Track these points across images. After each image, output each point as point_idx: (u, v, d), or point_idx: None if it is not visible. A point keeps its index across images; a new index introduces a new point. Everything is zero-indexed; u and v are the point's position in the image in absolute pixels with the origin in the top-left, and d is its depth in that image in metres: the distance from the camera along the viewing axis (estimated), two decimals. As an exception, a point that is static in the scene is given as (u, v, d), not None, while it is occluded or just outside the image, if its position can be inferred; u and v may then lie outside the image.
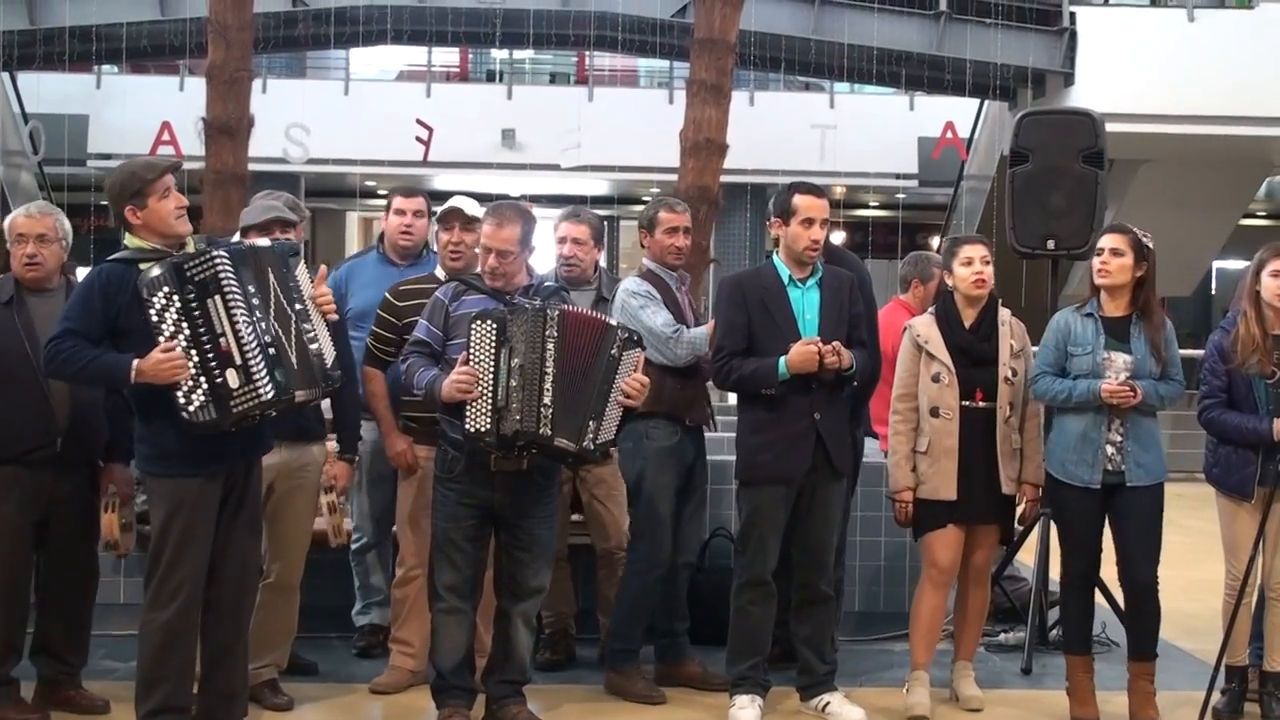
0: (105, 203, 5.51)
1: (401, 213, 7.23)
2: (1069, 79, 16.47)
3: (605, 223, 7.63)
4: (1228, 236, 19.62)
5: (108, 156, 20.95)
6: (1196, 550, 6.84)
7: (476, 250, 6.20)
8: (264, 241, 5.68)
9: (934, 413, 6.37)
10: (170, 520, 5.32)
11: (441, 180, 23.36)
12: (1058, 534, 6.57)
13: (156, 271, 5.11)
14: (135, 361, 5.11)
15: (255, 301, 5.22)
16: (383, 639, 7.01)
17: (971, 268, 6.44)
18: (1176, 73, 16.11)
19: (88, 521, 6.08)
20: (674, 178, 13.03)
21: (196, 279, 5.10)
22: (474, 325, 5.59)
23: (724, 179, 12.82)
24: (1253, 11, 17.24)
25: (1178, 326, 20.40)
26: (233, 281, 5.14)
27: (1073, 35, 16.39)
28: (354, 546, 7.23)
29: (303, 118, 20.03)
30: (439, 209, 6.75)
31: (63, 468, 5.93)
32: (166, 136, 18.96)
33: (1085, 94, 16.13)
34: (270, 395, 5.15)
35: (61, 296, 5.93)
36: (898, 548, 8.08)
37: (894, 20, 16.58)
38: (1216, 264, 23.44)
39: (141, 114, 20.19)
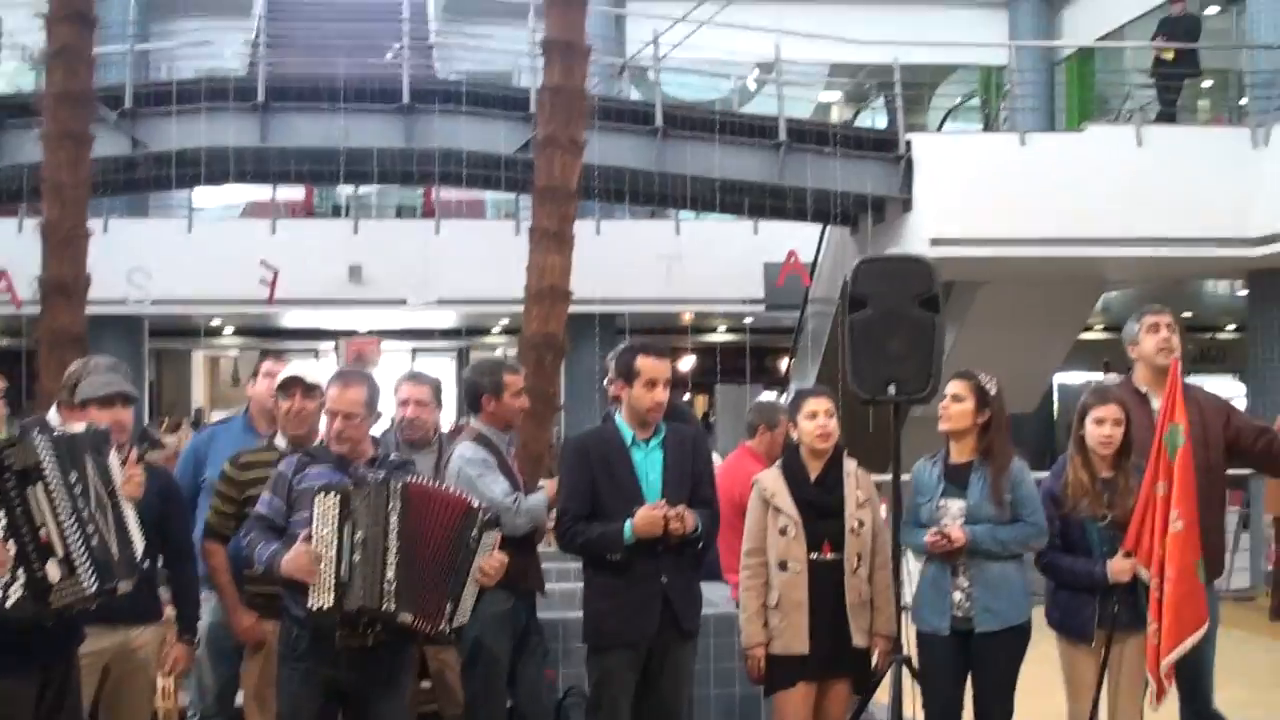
0: None
1: (270, 375, 7.05)
2: (907, 204, 16.71)
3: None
4: (1068, 352, 20.01)
5: (-56, 302, 20.59)
6: (1046, 680, 6.90)
7: (320, 416, 6.12)
8: (79, 427, 5.51)
9: (783, 566, 6.36)
10: None
11: (289, 317, 23.23)
12: (920, 682, 6.58)
13: None
14: None
15: (77, 490, 5.05)
16: None
17: (816, 421, 6.47)
18: (1010, 197, 16.38)
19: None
20: (521, 308, 13.03)
21: (16, 468, 4.91)
22: (317, 498, 5.49)
23: (572, 309, 12.82)
24: (1081, 134, 17.69)
25: (1022, 444, 20.55)
26: (55, 470, 4.97)
27: (909, 162, 16.62)
28: (191, 721, 7.01)
29: (145, 258, 19.80)
30: (279, 376, 6.64)
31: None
32: (4, 285, 18.56)
33: (923, 219, 16.46)
34: (94, 588, 4.98)
35: None
36: (751, 700, 8.00)
37: (735, 150, 16.75)
38: (1058, 379, 23.89)
39: (-23, 259, 19.82)
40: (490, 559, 5.69)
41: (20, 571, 4.89)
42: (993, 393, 6.51)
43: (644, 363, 6.25)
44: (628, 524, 6.02)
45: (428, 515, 5.58)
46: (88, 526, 5.03)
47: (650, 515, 6.01)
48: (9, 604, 4.88)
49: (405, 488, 5.56)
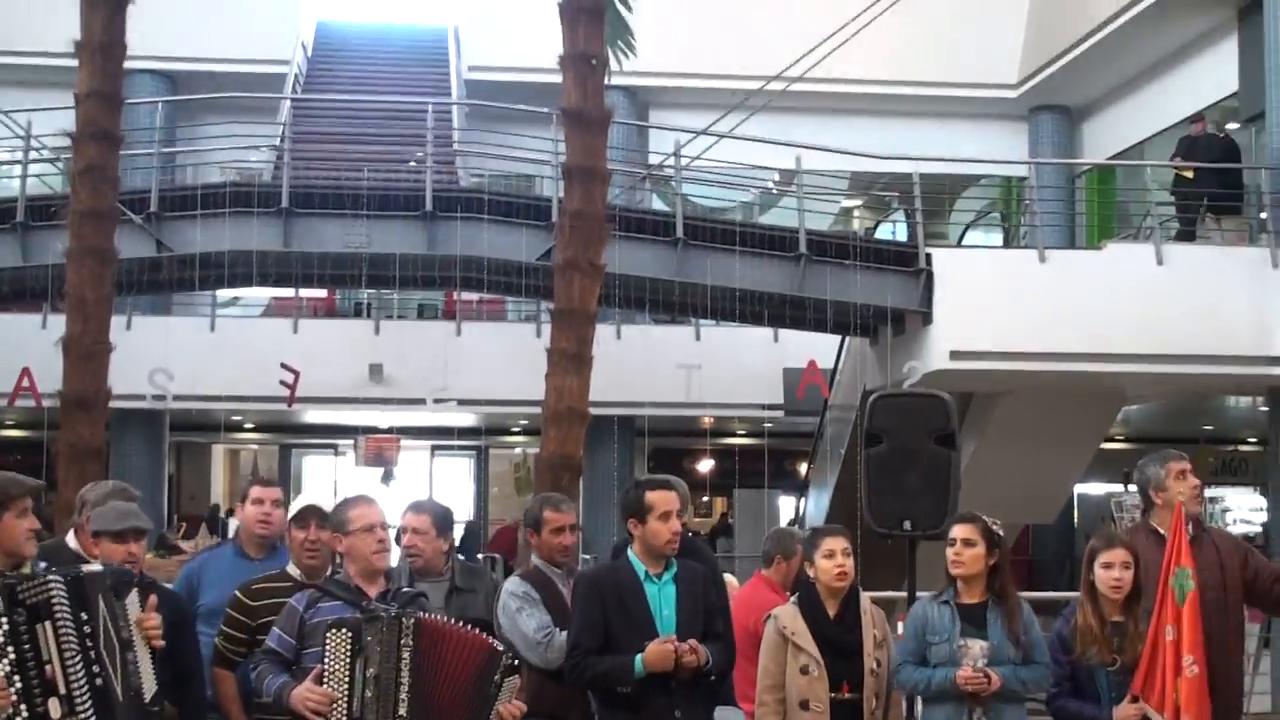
0: None
1: (260, 502, 7.02)
2: (927, 317, 16.75)
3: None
4: (1088, 463, 19.96)
5: (-34, 395, 20.71)
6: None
7: (334, 549, 6.10)
8: (96, 566, 5.52)
9: (804, 705, 6.35)
10: None
11: (309, 414, 23.30)
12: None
13: None
14: None
15: (86, 630, 5.09)
16: None
17: (833, 560, 6.47)
18: (1029, 312, 16.47)
19: None
20: (539, 411, 13.06)
21: (28, 603, 4.98)
22: (329, 634, 5.47)
23: (592, 411, 12.85)
24: (1101, 252, 17.76)
25: (1042, 554, 20.54)
26: (65, 608, 5.02)
27: (929, 275, 16.69)
28: None
29: (167, 355, 19.89)
30: (294, 505, 6.65)
31: None
32: (26, 383, 18.69)
33: (943, 332, 16.51)
34: None
35: None
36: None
37: (756, 262, 16.84)
38: (1078, 489, 23.84)
39: (2, 354, 19.94)
40: (510, 706, 5.66)
41: (23, 707, 4.93)
42: (1000, 534, 6.50)
43: (654, 497, 6.26)
44: (638, 658, 6.00)
45: (442, 652, 5.55)
46: (93, 667, 5.07)
47: (662, 649, 5.99)
48: None
49: (418, 623, 5.53)
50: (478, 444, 26.08)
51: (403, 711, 5.42)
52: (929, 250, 17.11)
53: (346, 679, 5.42)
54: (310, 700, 5.42)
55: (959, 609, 6.46)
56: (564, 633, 6.50)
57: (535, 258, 16.61)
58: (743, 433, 25.41)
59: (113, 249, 13.37)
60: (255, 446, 28.10)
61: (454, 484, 26.77)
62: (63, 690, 4.97)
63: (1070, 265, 17.32)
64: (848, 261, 16.82)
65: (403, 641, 5.47)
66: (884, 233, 24.17)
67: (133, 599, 5.47)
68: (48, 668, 4.97)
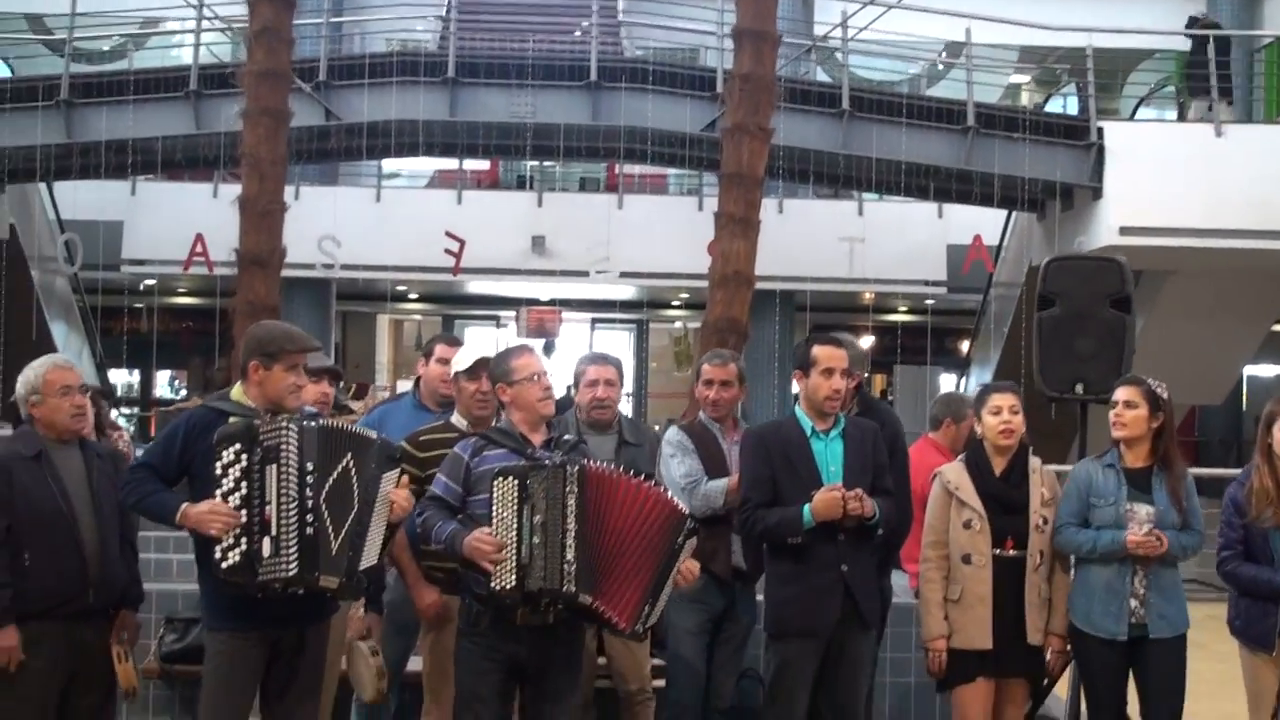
0: (139, 305, 5.75)
1: (444, 361, 7.08)
2: (1097, 193, 16.45)
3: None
4: (1259, 344, 19.57)
5: (141, 263, 21.23)
6: (1227, 679, 6.80)
7: (501, 398, 6.17)
8: (371, 433, 5.70)
9: (966, 560, 6.36)
10: (210, 673, 5.51)
11: (472, 285, 23.53)
12: (1083, 686, 6.54)
13: (233, 428, 5.31)
14: (185, 505, 5.30)
15: (310, 479, 5.31)
16: None
17: (1000, 417, 6.44)
18: (1203, 187, 16.08)
19: (109, 669, 6.10)
20: (703, 284, 13.09)
21: (265, 444, 5.27)
22: (496, 482, 5.55)
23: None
24: (1278, 126, 17.26)
25: (1209, 435, 20.26)
26: (292, 454, 5.29)
27: (1100, 150, 16.37)
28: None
29: (335, 225, 20.18)
30: (458, 359, 6.69)
31: (90, 618, 5.98)
32: (200, 249, 19.09)
33: (1113, 208, 16.20)
34: (293, 573, 5.26)
35: (78, 448, 6.04)
36: (926, 690, 8.00)
37: (922, 135, 16.63)
38: (1248, 371, 23.38)
39: (175, 221, 20.40)
40: (688, 566, 5.75)
41: (243, 540, 5.25)
42: (1164, 397, 6.41)
43: (820, 351, 6.28)
44: (806, 508, 6.05)
45: (610, 500, 5.61)
46: (306, 515, 5.30)
47: (829, 497, 6.03)
48: (225, 564, 5.25)
49: (582, 471, 5.59)
50: (638, 317, 26.15)
51: (570, 556, 5.51)
52: (1101, 124, 16.74)
53: (515, 526, 5.51)
54: (483, 547, 5.51)
55: (1125, 472, 6.41)
56: (710, 482, 6.56)
57: (700, 129, 16.56)
58: (904, 309, 25.24)
59: (287, 109, 13.61)
60: (419, 317, 28.42)
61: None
62: (274, 531, 5.24)
63: (1246, 139, 16.83)
64: (1016, 135, 16.54)
65: (568, 489, 5.54)
66: (1054, 107, 23.65)
67: (394, 474, 5.66)
68: (267, 508, 5.25)
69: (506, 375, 5.90)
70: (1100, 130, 16.55)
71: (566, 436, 6.17)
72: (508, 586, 5.51)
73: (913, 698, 8.10)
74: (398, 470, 5.71)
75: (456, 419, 6.64)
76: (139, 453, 6.73)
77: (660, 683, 6.95)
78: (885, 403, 7.25)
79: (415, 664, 6.86)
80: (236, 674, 5.48)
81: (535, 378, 5.86)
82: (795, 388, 6.40)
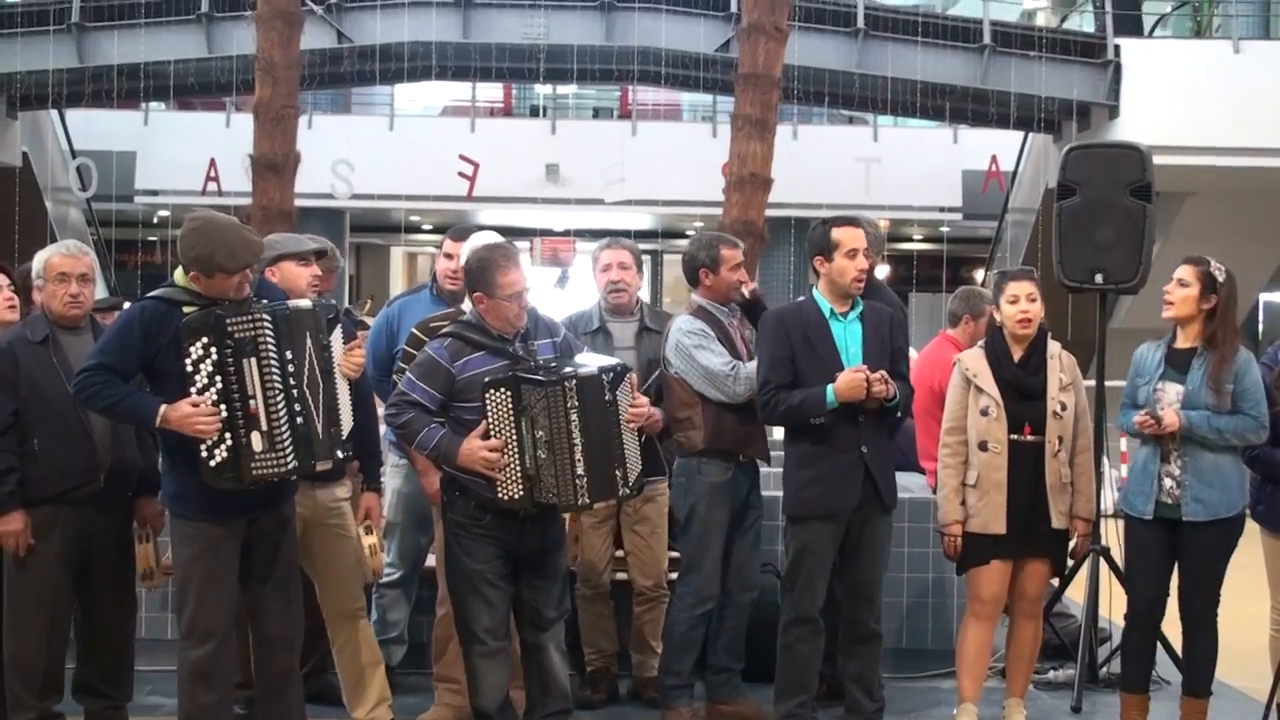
0: (153, 239, 5.63)
1: (450, 256, 7.00)
2: (1114, 111, 16.38)
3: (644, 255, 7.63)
4: (1275, 269, 19.46)
5: (155, 192, 21.18)
6: (1249, 585, 6.76)
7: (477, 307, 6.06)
8: (305, 303, 5.63)
9: (982, 446, 6.32)
10: (191, 563, 5.40)
11: (486, 215, 23.46)
12: (1125, 568, 6.52)
13: (198, 321, 5.17)
14: (163, 408, 5.16)
15: (290, 369, 5.27)
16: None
17: (1017, 305, 6.37)
18: (1222, 104, 15.97)
19: (126, 556, 6.07)
20: (718, 211, 13.05)
21: (236, 336, 5.16)
22: (488, 395, 5.51)
23: (767, 212, 12.81)
24: (1298, 42, 17.15)
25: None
26: (271, 346, 5.21)
27: (1117, 68, 16.29)
28: (383, 580, 7.13)
29: (348, 154, 20.12)
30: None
31: (104, 504, 5.93)
32: (213, 173, 19.06)
33: (1130, 126, 16.06)
34: (292, 465, 5.25)
35: (90, 334, 5.99)
36: (945, 583, 8.01)
37: (937, 53, 16.55)
38: (1263, 297, 23.28)
39: (188, 151, 20.39)
40: (632, 411, 5.74)
41: (228, 436, 5.15)
42: (1220, 280, 6.34)
43: (841, 233, 6.21)
44: (829, 388, 6.01)
45: (596, 401, 5.60)
46: (295, 405, 5.26)
47: (853, 377, 5.98)
48: (213, 463, 5.16)
49: (580, 384, 5.55)
50: (653, 248, 26.07)
51: (580, 470, 5.52)
52: (1118, 41, 16.62)
53: (515, 438, 5.50)
54: (488, 456, 5.49)
55: (1171, 352, 6.36)
56: (749, 364, 6.50)
57: (714, 48, 16.48)
58: (919, 237, 25.13)
59: (299, 13, 13.61)
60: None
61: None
62: (264, 427, 5.18)
63: (1265, 56, 16.74)
64: (1033, 53, 16.46)
65: (569, 405, 5.52)
66: (1071, 27, 23.46)
67: (337, 336, 5.62)
68: (252, 403, 5.17)
69: (489, 288, 5.72)
70: (1117, 48, 16.45)
71: (545, 321, 6.03)
72: (516, 496, 5.53)
73: (929, 590, 8.09)
74: (339, 326, 5.67)
75: (466, 305, 6.61)
76: None
77: (674, 575, 6.91)
78: (885, 286, 7.16)
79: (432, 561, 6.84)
80: (223, 561, 5.40)
81: (516, 297, 5.72)
82: (817, 270, 6.32)
